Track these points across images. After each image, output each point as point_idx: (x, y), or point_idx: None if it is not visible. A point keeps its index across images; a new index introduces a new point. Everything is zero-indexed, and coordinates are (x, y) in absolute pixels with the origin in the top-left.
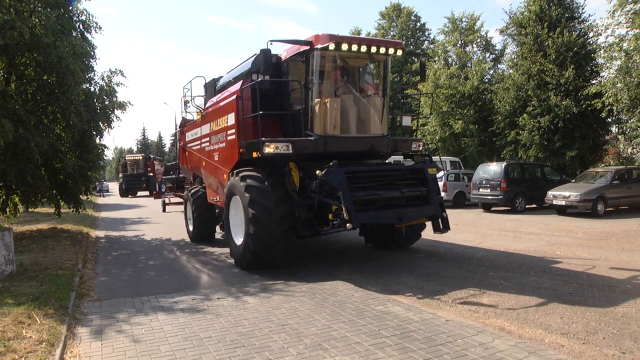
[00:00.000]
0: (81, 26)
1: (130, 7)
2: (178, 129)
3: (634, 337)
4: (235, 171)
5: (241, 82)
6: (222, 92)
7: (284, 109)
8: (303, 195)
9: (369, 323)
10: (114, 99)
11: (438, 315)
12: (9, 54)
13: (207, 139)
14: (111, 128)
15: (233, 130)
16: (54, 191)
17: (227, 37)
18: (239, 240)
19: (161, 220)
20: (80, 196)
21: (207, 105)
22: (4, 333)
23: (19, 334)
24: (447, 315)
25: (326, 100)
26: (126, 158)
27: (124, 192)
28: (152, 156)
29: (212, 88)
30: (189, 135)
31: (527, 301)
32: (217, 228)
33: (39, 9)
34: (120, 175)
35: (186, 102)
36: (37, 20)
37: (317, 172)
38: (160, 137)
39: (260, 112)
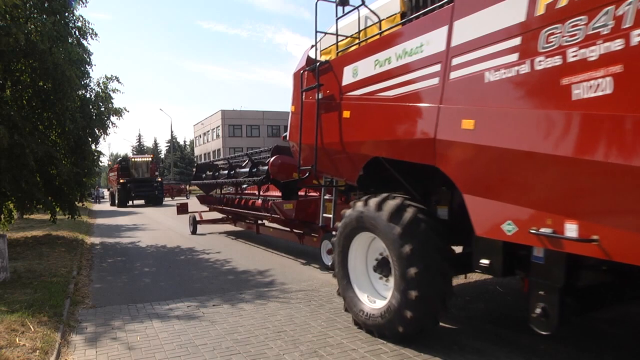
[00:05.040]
0: (77, 32)
1: (126, 13)
2: (303, 70)
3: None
4: None
5: None
6: None
7: None
8: None
9: None
10: (110, 105)
11: None
12: (4, 60)
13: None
14: (107, 134)
15: None
16: (49, 198)
17: (222, 44)
18: None
19: (157, 227)
20: (76, 203)
21: None
22: None
23: (12, 341)
24: (443, 322)
25: None
26: (132, 159)
27: (122, 200)
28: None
29: None
30: (362, 70)
31: (523, 307)
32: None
33: (35, 15)
34: (116, 179)
35: None
36: (32, 26)
37: None
38: (155, 143)
39: None
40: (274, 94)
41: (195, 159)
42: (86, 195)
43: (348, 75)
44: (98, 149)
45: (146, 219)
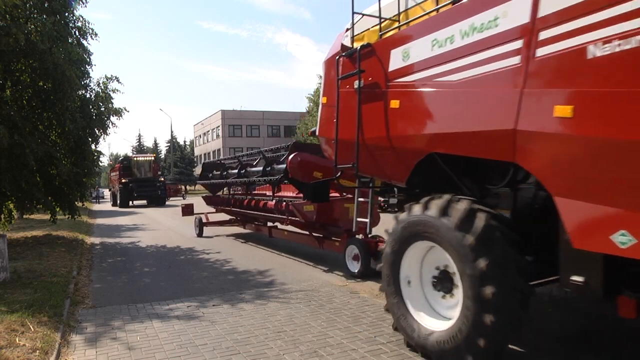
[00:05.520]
0: (77, 32)
1: (126, 13)
2: (339, 56)
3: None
4: None
5: None
6: None
7: None
8: None
9: (365, 330)
10: (110, 105)
11: None
12: (4, 60)
13: None
14: (107, 134)
15: None
16: (49, 198)
17: (222, 44)
18: None
19: (157, 227)
20: (76, 203)
21: None
22: None
23: (12, 342)
24: None
25: None
26: (135, 159)
27: (124, 200)
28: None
29: None
30: (415, 52)
31: None
32: None
33: (35, 15)
34: (118, 179)
35: None
36: (32, 26)
37: None
38: (155, 143)
39: None
40: (274, 94)
41: (195, 159)
42: (86, 196)
43: (397, 59)
44: (98, 149)
45: (146, 219)
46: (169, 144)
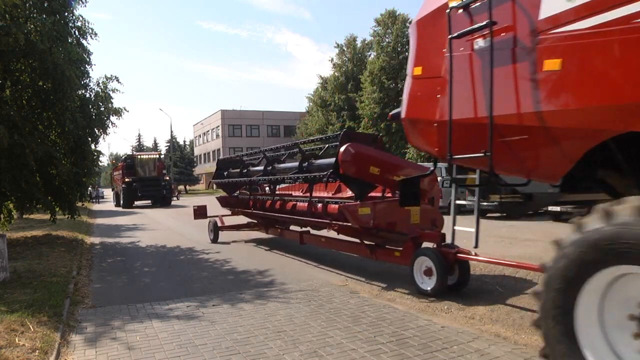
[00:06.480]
0: (77, 32)
1: (126, 13)
2: (450, 8)
3: None
4: None
5: None
6: None
7: None
8: None
9: (365, 330)
10: (110, 105)
11: (434, 322)
12: (4, 60)
13: None
14: (106, 134)
15: None
16: (49, 198)
17: (222, 44)
18: None
19: (157, 227)
20: (76, 202)
21: None
22: None
23: (11, 341)
24: (443, 322)
25: None
26: (138, 157)
27: (128, 201)
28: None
29: None
30: None
31: (522, 307)
32: None
33: (35, 15)
34: (121, 178)
35: None
36: (32, 26)
37: None
38: (155, 143)
39: None
40: (274, 94)
41: (195, 159)
42: (86, 196)
43: (554, 1)
44: (98, 148)
45: (146, 219)
46: (168, 144)
